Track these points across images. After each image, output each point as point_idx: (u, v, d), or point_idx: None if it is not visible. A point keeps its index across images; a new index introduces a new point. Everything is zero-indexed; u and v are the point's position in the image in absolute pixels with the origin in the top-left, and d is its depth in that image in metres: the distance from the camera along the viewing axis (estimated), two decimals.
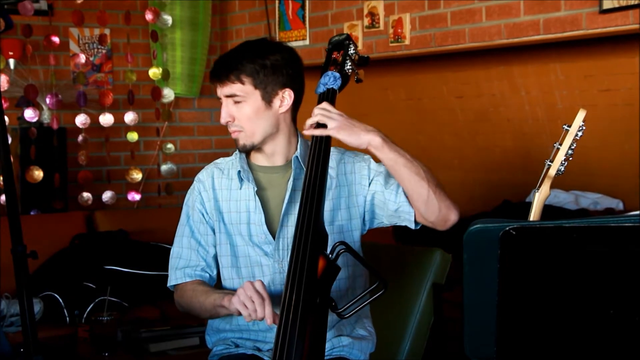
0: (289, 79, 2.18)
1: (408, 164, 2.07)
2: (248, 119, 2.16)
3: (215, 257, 2.28)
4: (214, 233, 2.27)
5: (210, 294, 2.15)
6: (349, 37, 2.30)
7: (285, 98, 2.19)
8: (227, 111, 2.17)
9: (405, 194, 2.14)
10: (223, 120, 2.18)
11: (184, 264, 2.26)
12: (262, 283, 2.00)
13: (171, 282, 2.29)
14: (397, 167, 2.08)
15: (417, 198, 2.10)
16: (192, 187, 2.32)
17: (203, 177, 2.30)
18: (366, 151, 2.15)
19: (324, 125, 2.08)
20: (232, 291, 2.15)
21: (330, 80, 2.21)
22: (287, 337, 1.92)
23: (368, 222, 2.28)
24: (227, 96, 2.16)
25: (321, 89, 2.20)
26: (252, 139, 2.19)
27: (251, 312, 1.95)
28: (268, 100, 2.16)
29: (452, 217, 2.13)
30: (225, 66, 2.15)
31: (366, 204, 2.25)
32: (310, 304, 1.95)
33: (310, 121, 2.09)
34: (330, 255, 2.00)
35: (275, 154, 2.24)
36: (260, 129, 2.18)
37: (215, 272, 2.29)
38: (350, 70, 2.26)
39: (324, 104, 2.11)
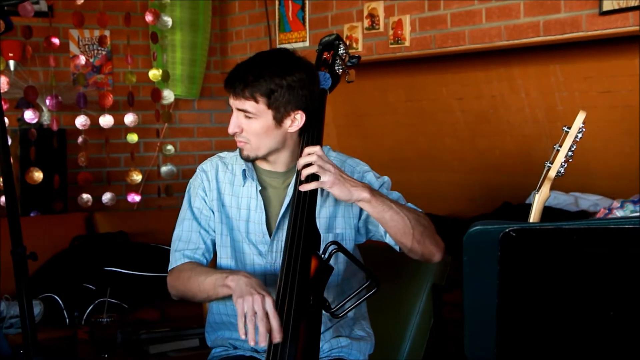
0: (302, 101, 2.13)
1: (395, 217, 2.09)
2: (256, 135, 2.14)
3: (214, 243, 2.28)
4: (215, 221, 2.26)
5: (211, 274, 2.11)
6: (338, 37, 2.30)
7: (297, 119, 2.15)
8: (237, 123, 2.15)
9: None
10: (231, 131, 2.16)
11: (183, 246, 2.25)
12: (273, 301, 1.94)
13: (171, 265, 2.26)
14: (384, 220, 2.10)
15: (401, 244, 2.16)
16: (195, 175, 2.32)
17: (207, 167, 2.30)
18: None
19: (317, 176, 2.05)
20: (233, 270, 2.14)
21: (320, 80, 2.21)
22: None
23: (364, 235, 2.30)
24: (239, 109, 2.14)
25: None
26: (256, 152, 2.18)
27: (249, 333, 1.89)
28: (279, 120, 2.13)
29: (434, 259, 2.20)
30: (242, 80, 2.10)
31: (361, 220, 2.26)
32: (303, 304, 1.95)
33: (305, 171, 2.05)
34: (322, 255, 2.00)
35: (278, 162, 2.24)
36: (266, 145, 2.17)
37: (211, 258, 2.28)
38: (340, 70, 2.26)
39: (318, 151, 2.07)
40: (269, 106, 2.10)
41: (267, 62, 2.14)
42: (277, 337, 1.90)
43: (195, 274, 2.16)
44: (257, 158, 2.20)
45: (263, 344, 1.90)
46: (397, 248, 2.20)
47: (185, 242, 2.25)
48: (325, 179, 2.04)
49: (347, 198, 2.06)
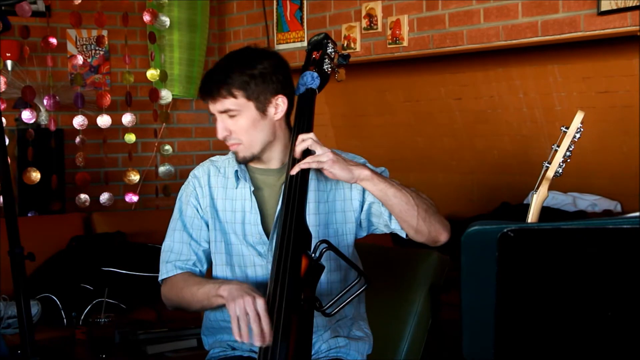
0: (280, 85, 2.15)
1: (398, 194, 2.08)
2: (245, 131, 2.14)
3: (207, 253, 2.26)
4: (208, 229, 2.25)
5: (204, 284, 2.12)
6: (327, 36, 2.30)
7: (279, 105, 2.16)
8: (223, 126, 2.15)
9: None
10: (220, 136, 2.15)
11: (175, 258, 2.24)
12: (264, 302, 1.94)
13: (162, 275, 2.25)
14: (387, 197, 2.08)
15: (407, 225, 2.13)
16: (186, 182, 2.30)
17: (199, 173, 2.29)
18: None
19: (311, 152, 2.06)
20: (225, 280, 2.14)
21: (308, 79, 2.21)
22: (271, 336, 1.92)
23: (365, 228, 2.29)
24: (222, 112, 2.14)
25: (301, 89, 2.21)
26: (251, 150, 2.16)
27: (242, 333, 1.90)
28: (262, 109, 2.13)
29: (442, 238, 2.17)
30: (214, 82, 2.12)
31: (362, 212, 2.25)
32: (294, 303, 1.95)
33: (301, 146, 2.07)
34: (313, 255, 2.00)
35: (272, 159, 2.23)
36: (259, 139, 2.16)
37: (205, 268, 2.27)
38: (329, 69, 2.26)
39: (313, 135, 2.08)
40: (248, 98, 2.11)
41: (233, 58, 2.16)
42: (265, 340, 1.89)
43: (188, 284, 2.16)
44: (253, 157, 2.18)
45: (258, 344, 1.90)
46: (403, 234, 2.18)
47: (177, 253, 2.24)
48: (325, 158, 2.04)
49: (349, 177, 2.05)
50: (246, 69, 2.11)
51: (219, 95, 2.11)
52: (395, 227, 2.19)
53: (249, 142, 2.15)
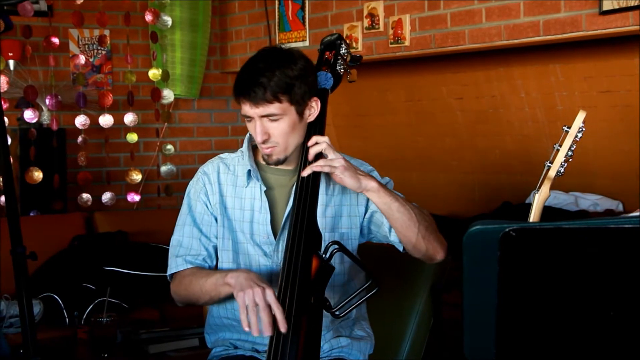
0: (313, 87, 2.14)
1: (401, 209, 2.09)
2: (284, 135, 2.11)
3: (216, 249, 2.26)
4: (217, 225, 2.25)
5: (212, 275, 2.11)
6: (340, 37, 2.30)
7: (313, 107, 2.14)
8: (263, 129, 2.10)
9: None
10: (260, 139, 2.11)
11: (184, 252, 2.23)
12: (273, 293, 1.93)
13: (171, 270, 2.23)
14: (391, 211, 2.10)
15: (406, 240, 2.14)
16: (196, 178, 2.28)
17: (208, 170, 2.27)
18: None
19: (324, 156, 2.08)
20: (232, 269, 2.15)
21: (322, 80, 2.21)
22: (281, 337, 1.92)
23: (364, 235, 2.30)
24: (263, 116, 2.08)
25: None
26: (285, 152, 2.14)
27: (252, 324, 1.89)
28: (301, 113, 2.11)
29: (438, 257, 2.19)
30: (258, 85, 2.04)
31: (365, 219, 2.26)
32: (304, 304, 1.95)
33: (314, 149, 2.08)
34: (324, 255, 2.00)
35: (291, 160, 2.20)
36: (294, 142, 2.14)
37: (214, 264, 2.26)
38: (342, 70, 2.26)
39: (324, 139, 2.09)
40: (292, 102, 2.08)
41: (269, 60, 2.09)
42: (282, 327, 1.88)
43: (197, 277, 2.15)
44: (286, 158, 2.16)
45: (268, 333, 1.88)
46: (400, 247, 2.19)
47: (187, 248, 2.23)
48: (337, 164, 2.04)
49: (356, 186, 2.06)
50: (287, 70, 2.06)
51: (263, 100, 2.05)
52: (394, 239, 2.19)
53: (285, 145, 2.13)
